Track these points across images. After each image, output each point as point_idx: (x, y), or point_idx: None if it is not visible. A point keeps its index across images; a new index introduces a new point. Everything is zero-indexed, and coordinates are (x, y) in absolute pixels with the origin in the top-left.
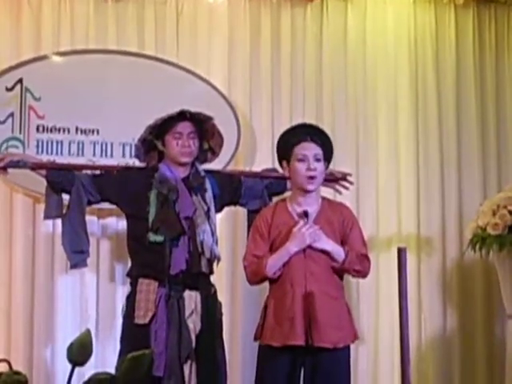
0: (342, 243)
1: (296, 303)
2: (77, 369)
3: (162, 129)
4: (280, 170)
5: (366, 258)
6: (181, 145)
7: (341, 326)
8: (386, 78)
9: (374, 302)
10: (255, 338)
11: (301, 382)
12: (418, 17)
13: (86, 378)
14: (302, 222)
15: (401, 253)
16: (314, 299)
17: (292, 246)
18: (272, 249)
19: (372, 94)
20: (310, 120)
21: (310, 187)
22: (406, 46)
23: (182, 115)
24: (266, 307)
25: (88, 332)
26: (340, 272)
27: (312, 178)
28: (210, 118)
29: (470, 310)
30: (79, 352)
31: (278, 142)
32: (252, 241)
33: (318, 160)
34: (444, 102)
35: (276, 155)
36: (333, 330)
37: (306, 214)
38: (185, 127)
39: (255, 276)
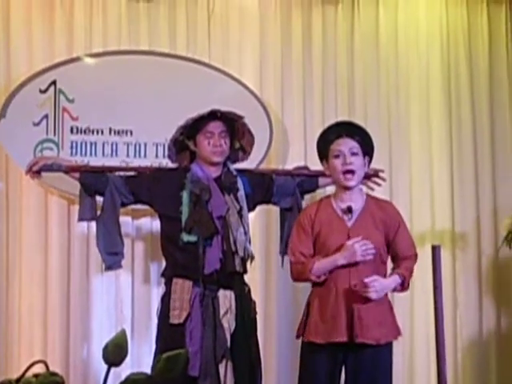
0: (388, 243)
1: (339, 300)
2: (113, 369)
3: (193, 129)
4: (311, 167)
5: (415, 257)
6: (212, 144)
7: (384, 322)
8: (418, 74)
9: (408, 298)
10: (298, 336)
11: (342, 379)
12: (450, 11)
13: (122, 378)
14: (357, 238)
15: (435, 250)
16: (357, 296)
17: (341, 258)
18: (315, 245)
19: (404, 90)
20: (342, 118)
21: (349, 183)
22: (438, 41)
23: (213, 115)
24: (309, 304)
25: (123, 332)
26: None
27: (349, 172)
28: (240, 117)
29: (506, 306)
30: (115, 352)
31: (317, 143)
32: (297, 237)
33: (354, 154)
34: (477, 97)
35: (317, 155)
36: (376, 326)
37: (349, 210)
38: (216, 127)
39: (300, 276)
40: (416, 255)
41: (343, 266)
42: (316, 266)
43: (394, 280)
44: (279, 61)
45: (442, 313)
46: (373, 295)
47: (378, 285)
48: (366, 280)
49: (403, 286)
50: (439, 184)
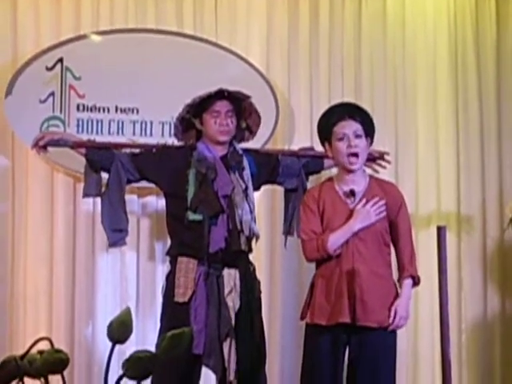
0: (390, 224)
1: (343, 282)
2: (117, 347)
3: (200, 107)
4: (317, 148)
5: (411, 242)
6: (218, 123)
7: (387, 304)
8: (425, 55)
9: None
10: (302, 317)
11: (345, 361)
12: None
13: (127, 355)
14: (363, 201)
15: (440, 231)
16: (360, 278)
17: (356, 223)
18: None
19: (411, 72)
20: (348, 98)
21: (353, 167)
22: (445, 22)
23: (220, 94)
24: (312, 285)
25: (128, 310)
26: None
27: (354, 154)
28: (247, 97)
29: (511, 288)
30: (119, 330)
31: (318, 125)
32: (305, 217)
33: (358, 136)
34: (484, 79)
35: (318, 137)
36: (379, 309)
37: (352, 193)
38: (223, 106)
39: (315, 252)
40: (411, 239)
41: (346, 250)
42: (331, 238)
43: (408, 286)
44: (286, 40)
45: (447, 294)
46: (404, 322)
47: (400, 309)
48: (391, 321)
49: (415, 282)
50: (445, 166)
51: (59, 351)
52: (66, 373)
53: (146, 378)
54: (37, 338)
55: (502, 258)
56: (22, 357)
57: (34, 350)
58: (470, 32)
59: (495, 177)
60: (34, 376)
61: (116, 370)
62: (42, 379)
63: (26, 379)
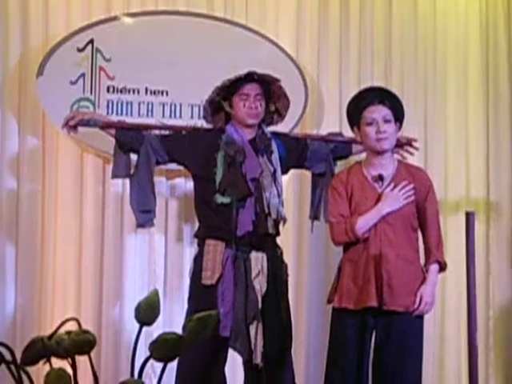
0: (417, 209)
1: (370, 266)
2: (144, 328)
3: (229, 90)
4: (346, 134)
5: (439, 227)
6: (247, 106)
7: (415, 290)
8: (456, 40)
9: None
10: (329, 301)
11: (372, 345)
12: None
13: (154, 337)
14: (391, 186)
15: (469, 217)
16: (388, 263)
17: (385, 207)
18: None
19: (441, 57)
20: (378, 83)
21: (383, 146)
22: (477, 8)
23: (250, 76)
24: (340, 270)
25: (155, 292)
26: None
27: (383, 139)
28: (277, 80)
29: None
30: (147, 312)
31: (347, 109)
32: (333, 200)
33: (387, 121)
34: None
35: (347, 121)
36: (406, 293)
37: (381, 178)
38: (252, 89)
39: (343, 235)
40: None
41: (373, 234)
42: (360, 221)
43: (434, 271)
44: (316, 24)
45: (475, 280)
46: (429, 307)
47: (426, 295)
48: (416, 306)
49: (442, 267)
50: (474, 152)
51: (87, 332)
52: (92, 353)
53: (172, 359)
54: (64, 319)
55: None
56: (50, 337)
57: (61, 331)
58: (501, 19)
59: None
60: (61, 356)
61: (143, 352)
62: (69, 359)
63: (53, 359)
